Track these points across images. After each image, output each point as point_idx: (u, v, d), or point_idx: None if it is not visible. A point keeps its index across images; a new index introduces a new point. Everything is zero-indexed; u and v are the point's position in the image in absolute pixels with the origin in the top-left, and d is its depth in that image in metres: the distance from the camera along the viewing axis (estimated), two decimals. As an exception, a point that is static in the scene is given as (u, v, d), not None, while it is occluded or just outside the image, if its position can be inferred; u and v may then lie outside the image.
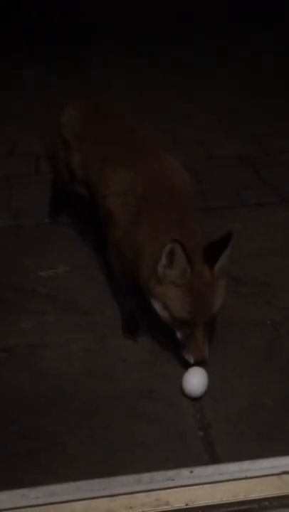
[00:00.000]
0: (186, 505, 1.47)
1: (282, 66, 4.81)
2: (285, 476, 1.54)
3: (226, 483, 1.52)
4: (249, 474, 1.55)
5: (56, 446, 1.76)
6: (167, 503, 1.47)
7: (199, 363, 1.91)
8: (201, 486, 1.52)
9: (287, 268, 2.50)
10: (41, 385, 1.97)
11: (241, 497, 1.49)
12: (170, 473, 1.57)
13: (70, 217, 2.87)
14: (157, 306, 1.95)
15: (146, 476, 1.55)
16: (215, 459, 1.70)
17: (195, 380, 1.90)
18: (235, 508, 1.48)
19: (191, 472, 1.57)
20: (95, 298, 2.36)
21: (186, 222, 1.99)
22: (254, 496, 1.49)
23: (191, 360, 1.91)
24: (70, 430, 1.81)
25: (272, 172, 3.26)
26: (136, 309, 2.23)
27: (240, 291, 2.37)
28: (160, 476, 1.55)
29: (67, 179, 2.58)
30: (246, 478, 1.54)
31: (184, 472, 1.57)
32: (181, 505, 1.47)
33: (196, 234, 1.97)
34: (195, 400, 1.90)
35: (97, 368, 2.04)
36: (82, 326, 2.23)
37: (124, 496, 1.47)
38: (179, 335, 1.95)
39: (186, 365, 1.94)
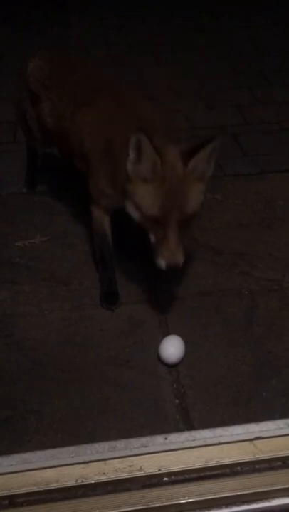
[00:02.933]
0: (159, 470, 1.48)
1: (261, 35, 4.74)
2: (257, 442, 1.56)
3: (199, 448, 1.53)
4: (222, 440, 1.56)
5: (32, 415, 1.77)
6: (140, 469, 1.48)
7: (172, 267, 1.83)
8: (174, 451, 1.53)
9: (266, 239, 2.50)
10: (17, 354, 1.97)
11: (214, 462, 1.50)
12: (144, 439, 1.58)
13: (47, 185, 2.83)
14: (130, 208, 1.88)
15: (120, 443, 1.56)
16: (190, 427, 1.72)
17: (172, 347, 1.91)
18: (208, 473, 1.49)
19: (166, 439, 1.59)
20: (72, 268, 2.35)
21: (159, 128, 1.93)
22: (226, 461, 1.51)
23: (163, 265, 1.84)
24: (46, 398, 1.81)
25: (252, 142, 3.23)
26: (115, 279, 2.22)
27: (218, 261, 2.37)
28: (134, 443, 1.56)
29: (38, 138, 2.55)
30: (219, 443, 1.55)
31: (158, 439, 1.59)
32: (154, 470, 1.48)
33: (171, 136, 1.91)
34: (171, 367, 1.91)
35: (74, 338, 2.04)
36: (59, 295, 2.22)
37: (98, 463, 1.48)
38: (152, 238, 1.88)
39: (160, 272, 1.88)
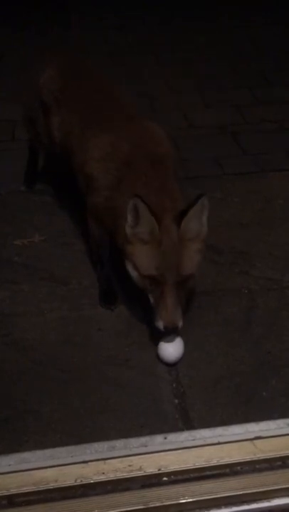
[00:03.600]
0: (159, 470, 1.48)
1: (261, 35, 4.74)
2: (257, 442, 1.56)
3: (198, 448, 1.53)
4: (222, 440, 1.56)
5: (31, 414, 1.76)
6: (140, 469, 1.48)
7: (170, 330, 1.84)
8: (174, 451, 1.53)
9: (266, 238, 2.50)
10: (16, 354, 1.96)
11: (213, 462, 1.50)
12: (144, 439, 1.58)
13: (46, 184, 2.83)
14: (129, 267, 1.92)
15: (119, 443, 1.56)
16: (190, 426, 1.71)
17: (171, 347, 1.90)
18: (208, 473, 1.49)
19: (165, 438, 1.58)
20: (71, 267, 2.34)
21: (166, 188, 1.95)
22: (226, 460, 1.51)
23: (161, 327, 1.84)
24: (45, 398, 1.80)
25: (252, 141, 3.23)
26: (113, 279, 2.21)
27: (218, 260, 2.36)
28: (134, 443, 1.56)
29: (45, 143, 2.54)
30: (219, 443, 1.55)
31: (158, 438, 1.58)
32: (154, 470, 1.48)
33: (176, 200, 1.93)
34: (171, 366, 1.90)
35: (73, 337, 2.03)
36: (58, 295, 2.21)
37: (97, 462, 1.48)
38: (151, 299, 1.90)
39: (159, 334, 1.90)
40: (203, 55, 4.35)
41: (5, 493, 1.43)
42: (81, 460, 1.49)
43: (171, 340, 1.91)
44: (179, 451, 1.53)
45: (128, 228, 1.87)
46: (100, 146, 2.10)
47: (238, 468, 1.52)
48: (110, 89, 2.38)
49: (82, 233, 2.47)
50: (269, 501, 1.46)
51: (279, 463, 1.53)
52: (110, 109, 2.22)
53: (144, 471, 1.48)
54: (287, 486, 1.48)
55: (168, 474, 1.48)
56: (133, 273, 1.91)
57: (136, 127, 2.14)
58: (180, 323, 1.85)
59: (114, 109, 2.22)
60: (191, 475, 1.49)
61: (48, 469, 1.47)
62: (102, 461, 1.49)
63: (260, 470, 1.52)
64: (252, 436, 1.58)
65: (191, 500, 1.44)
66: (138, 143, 2.06)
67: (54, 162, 2.67)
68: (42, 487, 1.44)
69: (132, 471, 1.48)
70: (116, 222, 1.99)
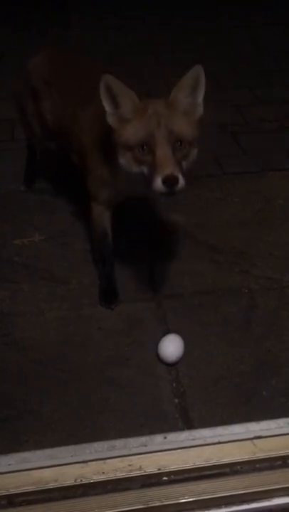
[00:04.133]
0: (159, 470, 1.47)
1: (261, 35, 4.74)
2: (257, 441, 1.56)
3: (198, 448, 1.52)
4: (222, 439, 1.55)
5: (31, 414, 1.76)
6: (140, 468, 1.47)
7: (168, 181, 1.68)
8: (174, 451, 1.52)
9: (266, 237, 2.49)
10: (15, 354, 1.96)
11: (213, 461, 1.49)
12: (143, 439, 1.57)
13: (46, 183, 2.83)
14: (122, 156, 1.82)
15: (119, 442, 1.56)
16: (190, 426, 1.71)
17: (171, 346, 1.90)
18: (208, 473, 1.49)
19: (165, 438, 1.58)
20: (71, 267, 2.34)
21: None
22: (226, 460, 1.50)
23: (159, 183, 1.69)
24: (45, 398, 1.80)
25: (252, 141, 3.23)
26: (114, 278, 2.21)
27: (218, 260, 2.36)
28: (133, 442, 1.56)
29: (38, 134, 2.54)
30: (219, 443, 1.55)
31: (158, 438, 1.58)
32: (154, 470, 1.47)
33: None
34: (170, 365, 1.90)
35: (73, 337, 2.03)
36: (58, 294, 2.21)
37: (97, 462, 1.47)
38: (145, 170, 1.76)
39: (157, 196, 1.76)
40: (203, 55, 4.34)
41: (4, 493, 1.43)
42: (81, 460, 1.48)
43: (171, 339, 1.91)
44: (179, 450, 1.53)
45: (109, 117, 1.81)
46: (89, 117, 2.10)
47: (238, 467, 1.51)
48: (99, 70, 2.40)
49: (82, 233, 2.47)
50: (269, 501, 1.46)
51: (279, 462, 1.53)
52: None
53: (144, 471, 1.47)
54: (287, 485, 1.47)
55: (168, 474, 1.48)
56: (125, 158, 1.80)
57: None
58: (180, 177, 1.69)
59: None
60: (191, 474, 1.48)
61: (48, 469, 1.46)
62: (102, 461, 1.48)
63: (260, 469, 1.51)
64: (252, 435, 1.57)
65: (191, 499, 1.43)
66: None
67: (51, 156, 2.67)
68: (42, 487, 1.44)
69: (131, 470, 1.47)
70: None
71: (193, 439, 1.57)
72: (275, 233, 2.52)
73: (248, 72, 4.09)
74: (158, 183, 1.69)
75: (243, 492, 1.45)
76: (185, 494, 1.44)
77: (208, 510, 1.43)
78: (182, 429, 1.69)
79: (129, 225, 2.45)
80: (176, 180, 1.69)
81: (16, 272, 2.31)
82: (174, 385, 1.86)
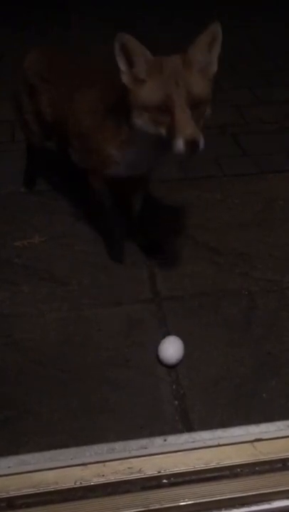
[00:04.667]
0: (159, 472, 1.47)
1: (261, 35, 4.74)
2: (257, 444, 1.55)
3: (198, 450, 1.52)
4: (222, 442, 1.55)
5: (30, 415, 1.75)
6: (140, 471, 1.47)
7: (191, 145, 1.69)
8: (173, 453, 1.52)
9: (266, 239, 2.49)
10: (15, 355, 1.96)
11: (213, 464, 1.49)
12: (143, 441, 1.57)
13: (46, 185, 2.82)
14: (137, 117, 1.81)
15: (119, 445, 1.55)
16: (190, 428, 1.71)
17: (171, 348, 1.90)
18: (208, 475, 1.48)
19: (165, 440, 1.58)
20: (71, 268, 2.34)
21: None
22: (226, 462, 1.50)
23: (180, 145, 1.69)
24: (45, 399, 1.80)
25: (252, 142, 3.23)
26: (119, 230, 2.26)
27: (218, 261, 2.36)
28: (133, 445, 1.55)
29: (36, 128, 2.55)
30: (219, 445, 1.54)
31: (158, 440, 1.57)
32: (154, 472, 1.47)
33: None
34: (171, 368, 1.90)
35: (73, 338, 2.03)
36: (58, 295, 2.21)
37: (97, 465, 1.47)
38: (163, 131, 1.76)
39: (181, 158, 1.81)
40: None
41: (4, 495, 1.42)
42: (81, 462, 1.48)
43: (171, 340, 1.91)
44: (179, 453, 1.52)
45: (124, 77, 1.79)
46: (86, 100, 2.12)
47: (238, 470, 1.51)
48: (95, 60, 2.41)
49: (82, 234, 2.47)
50: (269, 503, 1.45)
51: (279, 465, 1.52)
52: (96, 72, 2.23)
53: (144, 473, 1.47)
54: (287, 488, 1.47)
55: (168, 476, 1.47)
56: (142, 118, 1.80)
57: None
58: (201, 140, 1.71)
59: (98, 73, 2.22)
60: (191, 477, 1.48)
61: (48, 471, 1.46)
62: (102, 464, 1.48)
63: (260, 472, 1.51)
64: (252, 438, 1.57)
65: (191, 502, 1.43)
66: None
67: (51, 158, 2.68)
68: (42, 489, 1.43)
69: (131, 473, 1.47)
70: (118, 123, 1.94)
71: (193, 442, 1.56)
72: (275, 234, 2.51)
73: (248, 72, 4.09)
74: (180, 146, 1.70)
75: (243, 495, 1.45)
76: (185, 497, 1.44)
77: (208, 512, 1.43)
78: (182, 431, 1.69)
79: (128, 225, 2.45)
80: (197, 145, 1.70)
81: (15, 273, 2.31)
82: (173, 386, 1.86)
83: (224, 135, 3.31)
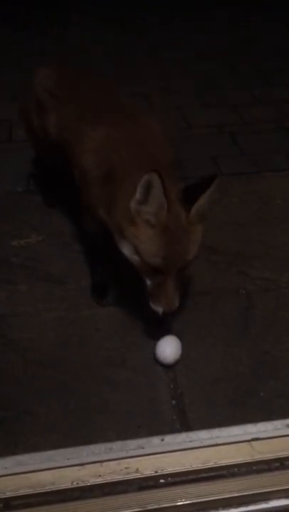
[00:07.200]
0: (156, 472, 1.47)
1: (261, 35, 4.74)
2: (254, 443, 1.55)
3: (196, 450, 1.52)
4: (219, 441, 1.55)
5: (27, 415, 1.75)
6: (137, 471, 1.47)
7: (168, 313, 1.82)
8: (171, 453, 1.52)
9: (263, 238, 2.49)
10: (13, 355, 1.95)
11: (211, 464, 1.49)
12: (141, 441, 1.57)
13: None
14: (128, 250, 1.81)
15: (116, 445, 1.55)
16: (187, 427, 1.71)
17: (168, 347, 1.89)
18: (205, 475, 1.48)
19: (162, 440, 1.58)
20: (69, 267, 2.33)
21: (163, 168, 1.81)
22: (224, 462, 1.50)
23: (160, 311, 1.81)
24: (42, 399, 1.80)
25: (250, 141, 3.22)
26: (106, 273, 2.20)
27: (215, 261, 2.35)
28: (131, 444, 1.55)
29: (45, 144, 2.51)
30: (216, 445, 1.54)
31: (155, 440, 1.57)
32: (151, 472, 1.47)
33: (174, 178, 1.84)
34: (168, 367, 1.90)
35: (70, 338, 2.02)
36: (55, 295, 2.20)
37: (94, 465, 1.47)
38: (148, 283, 1.82)
39: (154, 315, 1.84)
40: (203, 55, 4.34)
41: (1, 496, 1.42)
42: (78, 462, 1.48)
43: (169, 340, 1.90)
44: (176, 453, 1.53)
45: (134, 204, 1.74)
46: (94, 138, 2.06)
47: (236, 469, 1.51)
48: (107, 86, 2.38)
49: (79, 233, 2.46)
50: (267, 503, 1.45)
51: (277, 464, 1.52)
52: (107, 103, 2.19)
53: (141, 473, 1.47)
54: (284, 487, 1.47)
55: (165, 476, 1.47)
56: (133, 257, 1.80)
57: (134, 123, 2.07)
58: (177, 306, 1.82)
59: (110, 104, 2.19)
60: (189, 477, 1.48)
61: (45, 472, 1.46)
62: (99, 464, 1.48)
63: (257, 471, 1.51)
64: (249, 437, 1.57)
65: (188, 502, 1.43)
66: (131, 134, 1.99)
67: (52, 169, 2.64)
68: (38, 490, 1.43)
69: (128, 473, 1.47)
70: (110, 208, 1.90)
71: (191, 441, 1.56)
72: (273, 234, 2.51)
73: (248, 72, 4.08)
74: (158, 310, 1.82)
75: (240, 494, 1.45)
76: (182, 497, 1.44)
77: (206, 512, 1.43)
78: (179, 431, 1.68)
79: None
80: (174, 312, 1.83)
81: (13, 273, 2.30)
82: (171, 386, 1.85)
83: (223, 134, 3.31)
